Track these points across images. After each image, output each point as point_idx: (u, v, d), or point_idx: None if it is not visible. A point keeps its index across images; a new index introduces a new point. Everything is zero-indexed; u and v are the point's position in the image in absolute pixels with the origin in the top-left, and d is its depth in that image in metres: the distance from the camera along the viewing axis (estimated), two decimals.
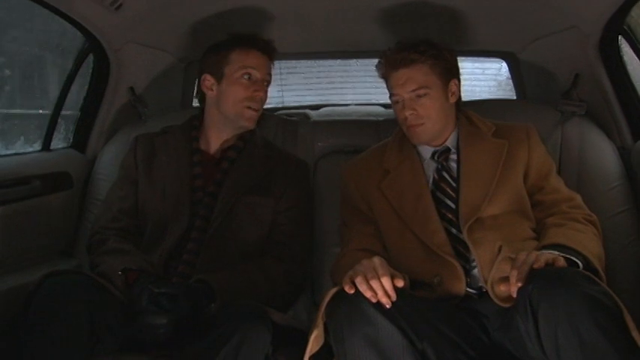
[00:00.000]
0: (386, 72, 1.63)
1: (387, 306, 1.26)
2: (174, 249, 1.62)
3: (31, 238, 1.81)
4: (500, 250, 1.46)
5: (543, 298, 1.20)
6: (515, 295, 1.27)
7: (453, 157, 1.64)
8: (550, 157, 1.69)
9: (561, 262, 1.32)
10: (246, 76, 1.72)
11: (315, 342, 1.31)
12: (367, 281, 1.28)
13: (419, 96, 1.59)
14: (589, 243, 1.45)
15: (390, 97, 1.64)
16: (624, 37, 1.81)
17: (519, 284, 1.26)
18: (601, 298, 1.20)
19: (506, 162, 1.59)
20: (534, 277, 1.25)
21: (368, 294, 1.27)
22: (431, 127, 1.61)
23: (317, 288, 1.84)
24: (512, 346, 1.36)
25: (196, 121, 1.82)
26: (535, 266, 1.27)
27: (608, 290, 1.24)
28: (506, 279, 1.32)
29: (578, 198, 1.63)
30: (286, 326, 1.46)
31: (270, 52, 1.77)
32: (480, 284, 1.49)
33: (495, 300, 1.39)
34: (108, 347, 1.43)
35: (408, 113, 1.59)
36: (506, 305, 1.35)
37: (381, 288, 1.27)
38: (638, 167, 1.83)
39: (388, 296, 1.27)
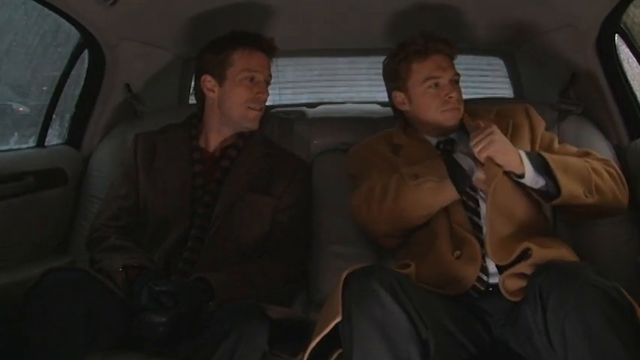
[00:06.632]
0: (421, 56, 1.65)
1: None
2: (175, 247, 1.62)
3: (24, 235, 1.80)
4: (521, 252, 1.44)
5: (554, 290, 1.22)
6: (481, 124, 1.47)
7: (460, 147, 1.65)
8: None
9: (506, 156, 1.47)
10: (248, 79, 1.71)
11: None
12: None
13: (455, 82, 1.65)
14: (579, 168, 1.51)
15: (422, 83, 1.65)
16: (620, 36, 1.82)
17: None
18: (611, 292, 1.21)
19: (512, 137, 1.60)
20: (546, 269, 1.27)
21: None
22: (462, 113, 1.66)
23: (313, 285, 1.83)
24: (516, 341, 1.37)
25: (195, 119, 1.81)
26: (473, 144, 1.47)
27: (618, 286, 1.24)
28: (518, 275, 1.36)
29: (594, 152, 1.66)
30: (283, 320, 1.46)
31: (273, 52, 1.76)
32: (485, 277, 1.49)
33: (505, 294, 1.39)
34: (105, 344, 1.43)
35: (455, 93, 1.63)
36: (515, 299, 1.37)
37: None
38: (634, 166, 1.83)
39: None
